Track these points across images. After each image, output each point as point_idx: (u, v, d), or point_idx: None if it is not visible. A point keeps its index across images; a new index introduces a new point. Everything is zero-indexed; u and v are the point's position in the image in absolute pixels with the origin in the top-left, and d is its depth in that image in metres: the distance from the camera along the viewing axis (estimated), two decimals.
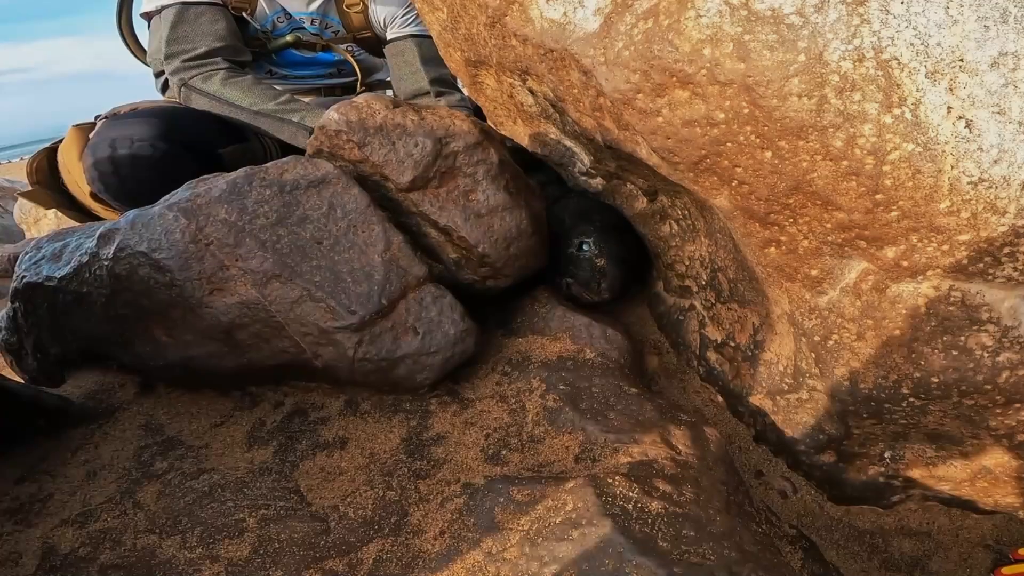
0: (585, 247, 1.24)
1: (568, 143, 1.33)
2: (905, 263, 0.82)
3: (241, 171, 1.10)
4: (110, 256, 1.08)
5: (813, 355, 0.97)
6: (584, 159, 1.31)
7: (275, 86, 1.83)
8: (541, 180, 1.38)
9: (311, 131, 1.59)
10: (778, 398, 1.07)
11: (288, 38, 1.85)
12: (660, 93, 0.88)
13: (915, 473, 1.00)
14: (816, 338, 0.95)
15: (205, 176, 1.16)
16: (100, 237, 1.11)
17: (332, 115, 1.15)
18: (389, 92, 2.15)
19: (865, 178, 0.78)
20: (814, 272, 0.91)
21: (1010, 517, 0.98)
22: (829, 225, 0.85)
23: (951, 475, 0.97)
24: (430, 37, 1.90)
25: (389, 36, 1.95)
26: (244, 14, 1.76)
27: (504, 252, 1.14)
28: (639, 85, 0.90)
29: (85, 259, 1.13)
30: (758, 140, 0.83)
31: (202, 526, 0.84)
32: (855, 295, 0.88)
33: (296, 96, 1.78)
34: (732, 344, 1.15)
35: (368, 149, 1.13)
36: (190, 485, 0.92)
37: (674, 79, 0.85)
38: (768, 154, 0.83)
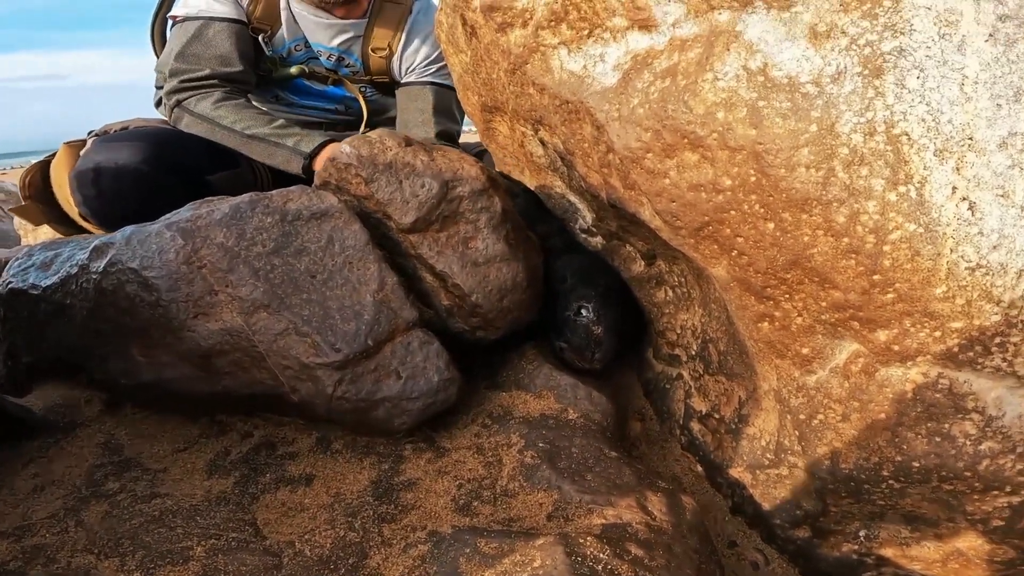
0: (584, 312, 1.22)
1: (572, 198, 1.33)
2: (896, 347, 0.81)
3: (246, 196, 1.11)
4: (100, 270, 1.07)
5: (797, 432, 0.96)
6: (587, 216, 1.32)
7: (277, 112, 1.81)
8: (546, 230, 1.39)
9: (306, 157, 1.58)
10: (758, 472, 1.05)
11: (293, 70, 1.84)
12: (670, 154, 0.89)
13: (888, 552, 0.97)
14: (801, 416, 0.94)
15: (210, 198, 1.17)
16: (94, 250, 1.10)
17: (344, 148, 1.16)
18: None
19: (864, 257, 0.77)
20: (805, 350, 0.91)
21: None
22: (824, 303, 0.84)
23: (924, 555, 0.94)
24: (448, 88, 1.91)
25: (408, 79, 1.94)
26: (262, 37, 1.76)
27: (497, 304, 1.13)
28: (650, 144, 0.90)
29: (74, 271, 1.12)
30: (762, 210, 0.83)
31: (144, 551, 0.80)
32: (844, 376, 0.88)
33: (294, 123, 1.75)
34: (716, 416, 1.14)
35: (375, 186, 1.14)
36: (139, 508, 0.88)
37: (685, 140, 0.86)
38: (771, 225, 0.83)
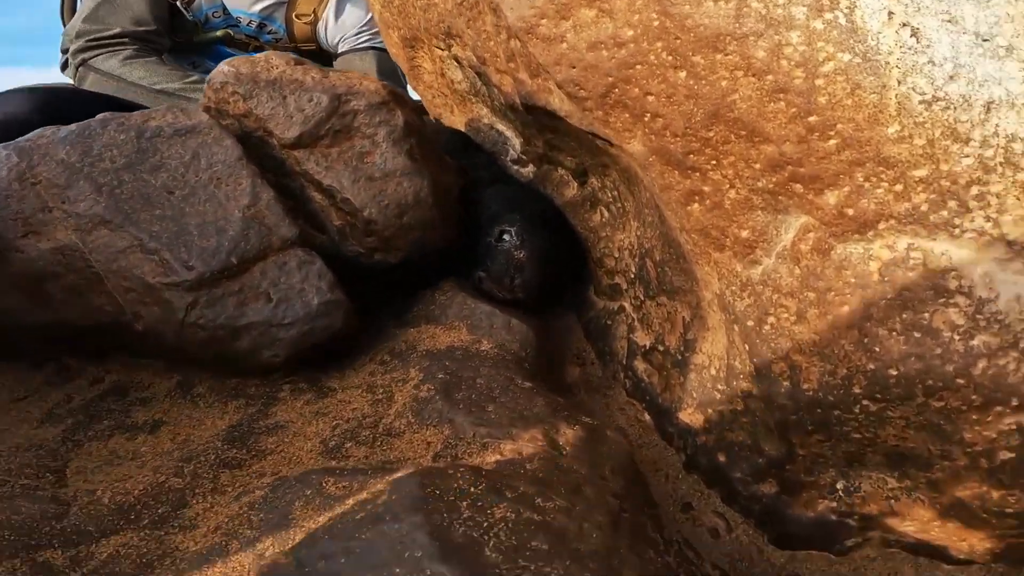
0: (506, 237, 1.05)
1: (500, 127, 1.20)
2: (850, 211, 0.64)
3: (100, 115, 0.96)
4: None
5: (746, 347, 0.78)
6: (515, 144, 1.18)
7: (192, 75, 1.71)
8: (472, 162, 1.23)
9: None
10: (710, 411, 0.86)
11: (218, 33, 1.74)
12: (565, 15, 0.75)
13: (873, 509, 0.78)
14: (749, 323, 0.76)
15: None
16: None
17: (221, 67, 1.02)
18: None
19: (795, 95, 0.62)
20: (744, 233, 0.73)
21: (987, 570, 0.74)
22: (758, 165, 0.68)
23: (917, 513, 0.75)
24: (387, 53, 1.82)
25: (344, 48, 1.82)
26: (179, 2, 1.66)
27: (395, 220, 0.96)
28: (543, 9, 0.77)
29: None
30: (670, 58, 0.68)
31: None
32: (793, 261, 0.70)
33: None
34: (661, 348, 0.95)
35: (254, 102, 0.98)
36: None
37: None
38: (682, 74, 0.68)
